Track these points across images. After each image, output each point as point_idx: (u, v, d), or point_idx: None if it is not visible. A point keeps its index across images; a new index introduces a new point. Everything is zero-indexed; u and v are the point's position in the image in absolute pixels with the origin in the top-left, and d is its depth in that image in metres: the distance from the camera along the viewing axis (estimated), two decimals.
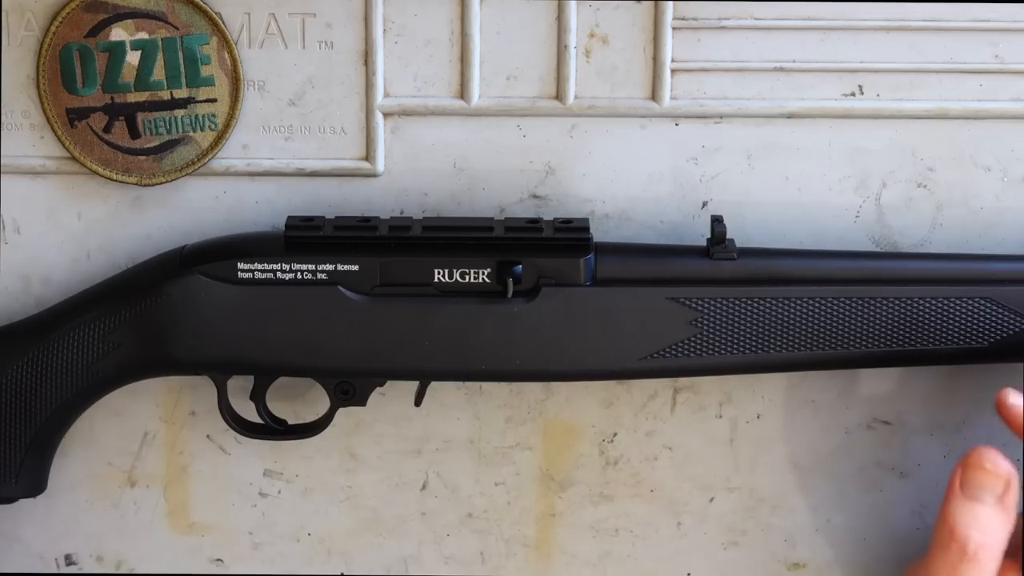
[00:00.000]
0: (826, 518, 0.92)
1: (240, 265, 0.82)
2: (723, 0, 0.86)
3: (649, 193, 0.88)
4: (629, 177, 0.88)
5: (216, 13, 0.85)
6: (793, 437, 0.91)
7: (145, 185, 0.87)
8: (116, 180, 0.87)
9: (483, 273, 0.82)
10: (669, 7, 0.85)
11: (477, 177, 0.88)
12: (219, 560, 0.93)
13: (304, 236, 0.83)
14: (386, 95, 0.87)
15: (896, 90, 0.87)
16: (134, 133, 0.86)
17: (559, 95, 0.87)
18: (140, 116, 0.86)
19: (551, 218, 0.84)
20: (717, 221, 0.83)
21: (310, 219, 0.84)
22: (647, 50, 0.86)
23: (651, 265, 0.83)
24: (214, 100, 0.86)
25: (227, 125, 0.86)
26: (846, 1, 0.86)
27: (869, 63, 0.86)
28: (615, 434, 0.91)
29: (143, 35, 0.85)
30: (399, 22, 0.86)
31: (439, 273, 0.82)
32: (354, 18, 0.86)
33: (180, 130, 0.86)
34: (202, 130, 0.86)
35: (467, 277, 0.82)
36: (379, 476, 0.92)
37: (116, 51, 0.85)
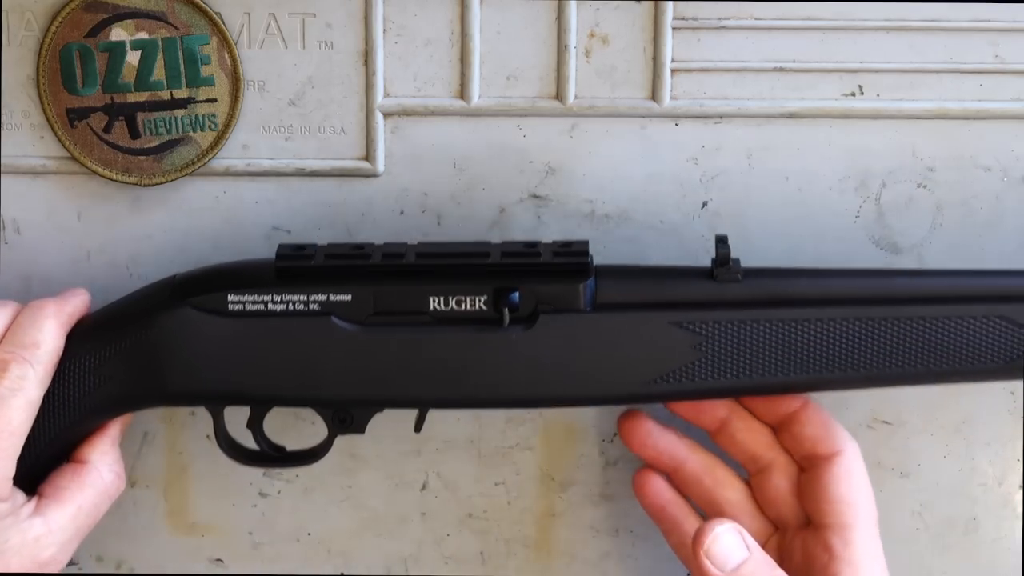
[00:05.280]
0: None
1: (230, 297, 0.81)
2: (723, 0, 0.86)
3: (649, 193, 0.88)
4: (629, 177, 0.88)
5: (216, 13, 0.85)
6: None
7: (145, 185, 0.87)
8: (116, 180, 0.87)
9: (479, 300, 0.80)
10: (669, 7, 0.85)
11: (477, 177, 0.88)
12: (219, 560, 0.93)
13: (295, 266, 0.81)
14: (386, 95, 0.87)
15: (896, 90, 0.87)
16: (134, 133, 0.86)
17: (559, 95, 0.87)
18: (140, 116, 0.86)
19: (550, 240, 0.82)
20: (721, 242, 0.81)
21: (301, 248, 0.82)
22: (647, 50, 0.86)
23: (653, 288, 0.81)
24: (214, 100, 0.86)
25: (227, 125, 0.86)
26: (846, 1, 0.86)
27: (869, 63, 0.86)
28: (615, 434, 0.90)
29: (143, 35, 0.85)
30: (399, 22, 0.86)
31: (434, 301, 0.80)
32: (354, 18, 0.86)
33: (180, 130, 0.86)
34: (202, 130, 0.86)
35: (463, 305, 0.80)
36: (379, 476, 0.92)
37: (116, 51, 0.85)
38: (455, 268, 0.81)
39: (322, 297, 0.80)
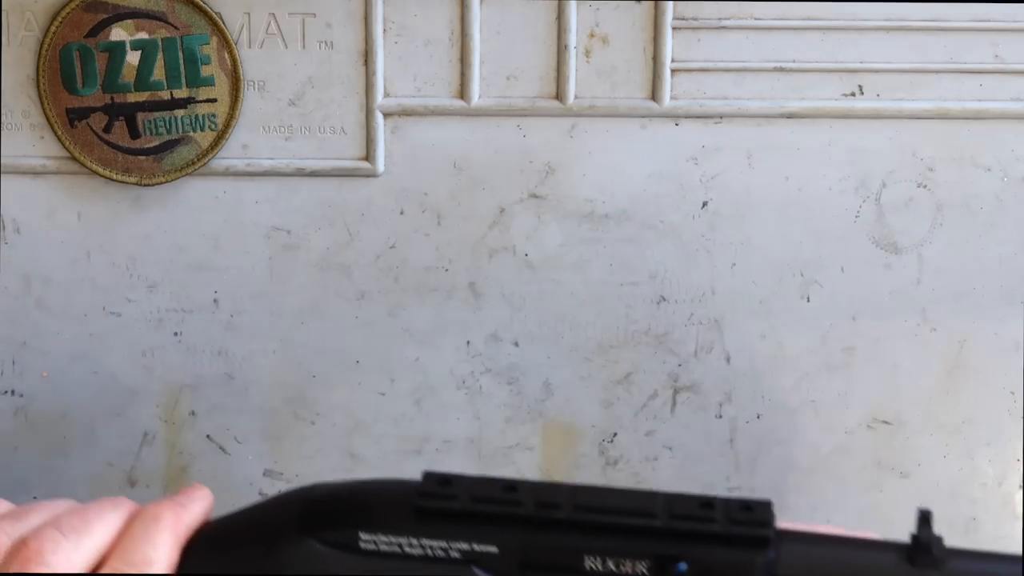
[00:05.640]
0: (826, 518, 0.92)
1: (362, 535, 0.71)
2: (723, 0, 0.86)
3: (649, 193, 0.88)
4: (629, 177, 0.88)
5: (216, 13, 0.85)
6: (793, 437, 0.91)
7: (145, 185, 0.87)
8: (116, 180, 0.87)
9: (640, 566, 0.70)
10: (669, 7, 0.85)
11: (477, 177, 0.88)
12: None
13: (437, 507, 0.71)
14: (386, 95, 0.87)
15: (896, 90, 0.87)
16: (134, 133, 0.86)
17: (559, 95, 0.87)
18: (140, 116, 0.86)
19: (730, 498, 0.71)
20: (924, 521, 0.67)
21: (446, 481, 0.72)
22: (647, 50, 0.86)
23: (839, 567, 0.68)
24: (214, 100, 0.86)
25: (227, 125, 0.86)
26: (846, 1, 0.86)
27: (869, 63, 0.86)
28: (615, 434, 0.91)
29: (143, 35, 0.85)
30: (399, 22, 0.86)
31: (590, 560, 0.70)
32: (354, 18, 0.86)
33: (180, 130, 0.86)
34: (202, 130, 0.86)
35: (622, 568, 0.70)
36: (379, 476, 0.92)
37: (116, 51, 0.85)
38: (615, 527, 0.71)
39: (465, 546, 0.71)
